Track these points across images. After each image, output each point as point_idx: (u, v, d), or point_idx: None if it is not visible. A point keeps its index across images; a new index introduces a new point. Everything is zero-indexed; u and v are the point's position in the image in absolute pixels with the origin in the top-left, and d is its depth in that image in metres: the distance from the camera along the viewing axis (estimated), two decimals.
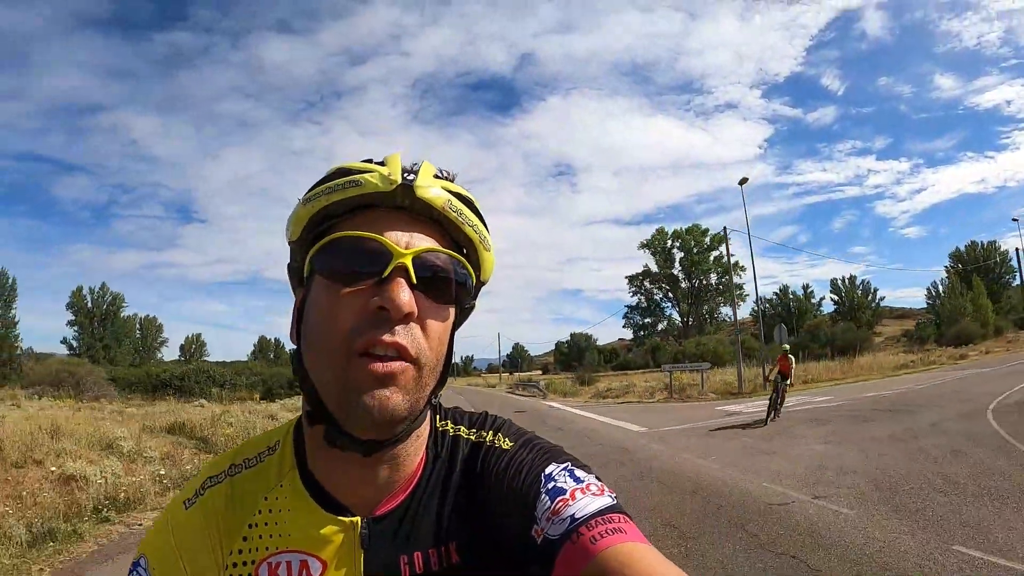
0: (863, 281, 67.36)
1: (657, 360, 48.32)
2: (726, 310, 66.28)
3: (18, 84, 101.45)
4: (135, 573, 0.64)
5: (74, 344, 54.59)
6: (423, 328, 0.58)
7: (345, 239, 0.58)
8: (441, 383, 0.63)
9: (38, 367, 30.21)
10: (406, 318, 0.56)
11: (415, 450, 0.66)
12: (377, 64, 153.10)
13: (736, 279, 59.74)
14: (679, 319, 65.48)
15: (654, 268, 66.55)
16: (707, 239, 64.96)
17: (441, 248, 0.60)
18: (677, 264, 64.75)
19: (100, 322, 56.31)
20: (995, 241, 65.25)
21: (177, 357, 66.53)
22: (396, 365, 0.56)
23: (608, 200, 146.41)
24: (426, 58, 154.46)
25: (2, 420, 10.03)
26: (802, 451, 8.67)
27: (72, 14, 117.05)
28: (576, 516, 0.56)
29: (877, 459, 7.63)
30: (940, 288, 58.44)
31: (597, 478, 0.63)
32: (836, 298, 69.27)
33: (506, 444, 0.68)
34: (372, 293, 0.56)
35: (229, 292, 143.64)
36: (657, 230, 64.89)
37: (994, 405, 11.67)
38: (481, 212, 0.65)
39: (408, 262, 0.57)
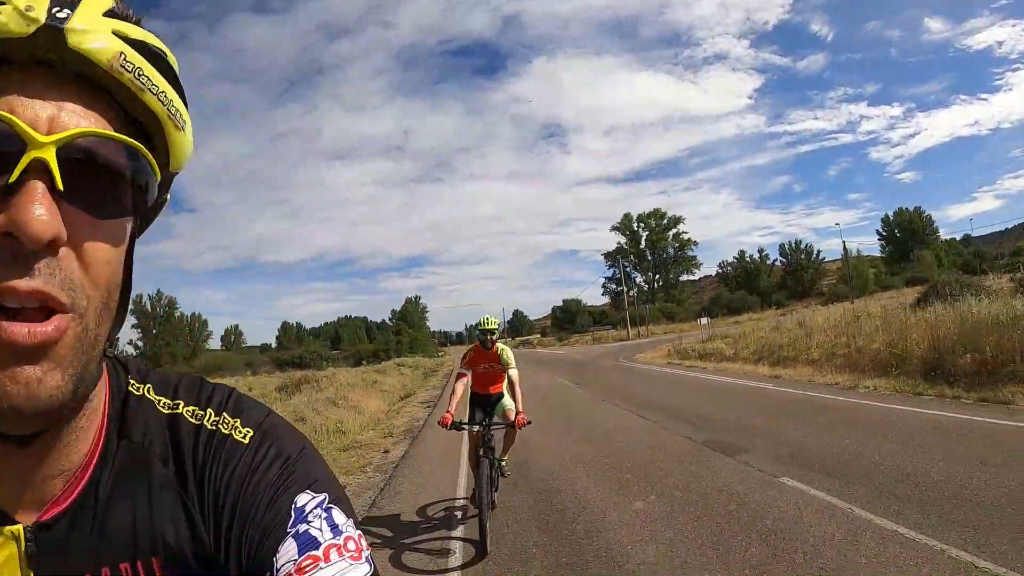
0: (807, 245, 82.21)
1: (632, 319, 65.64)
2: (683, 276, 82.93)
3: None
4: None
5: (140, 345, 62.29)
6: (81, 257, 0.39)
7: None
8: (119, 324, 0.45)
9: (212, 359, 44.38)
10: (49, 247, 0.36)
11: (87, 426, 0.46)
12: (358, 37, 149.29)
13: (692, 252, 76.43)
14: (646, 286, 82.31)
15: (626, 246, 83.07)
16: (664, 220, 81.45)
17: (106, 132, 0.39)
18: (643, 241, 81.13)
19: (159, 324, 64.41)
20: (919, 207, 78.99)
21: (219, 347, 73.77)
22: (48, 329, 0.36)
23: (599, 160, 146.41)
24: (407, 28, 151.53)
25: (334, 376, 20.18)
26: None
27: None
28: None
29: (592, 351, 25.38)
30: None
31: (356, 524, 0.49)
32: (784, 260, 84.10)
33: (240, 435, 0.51)
34: None
35: (224, 279, 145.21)
36: (624, 215, 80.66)
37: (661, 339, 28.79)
38: (178, 73, 0.45)
39: (50, 156, 0.36)
